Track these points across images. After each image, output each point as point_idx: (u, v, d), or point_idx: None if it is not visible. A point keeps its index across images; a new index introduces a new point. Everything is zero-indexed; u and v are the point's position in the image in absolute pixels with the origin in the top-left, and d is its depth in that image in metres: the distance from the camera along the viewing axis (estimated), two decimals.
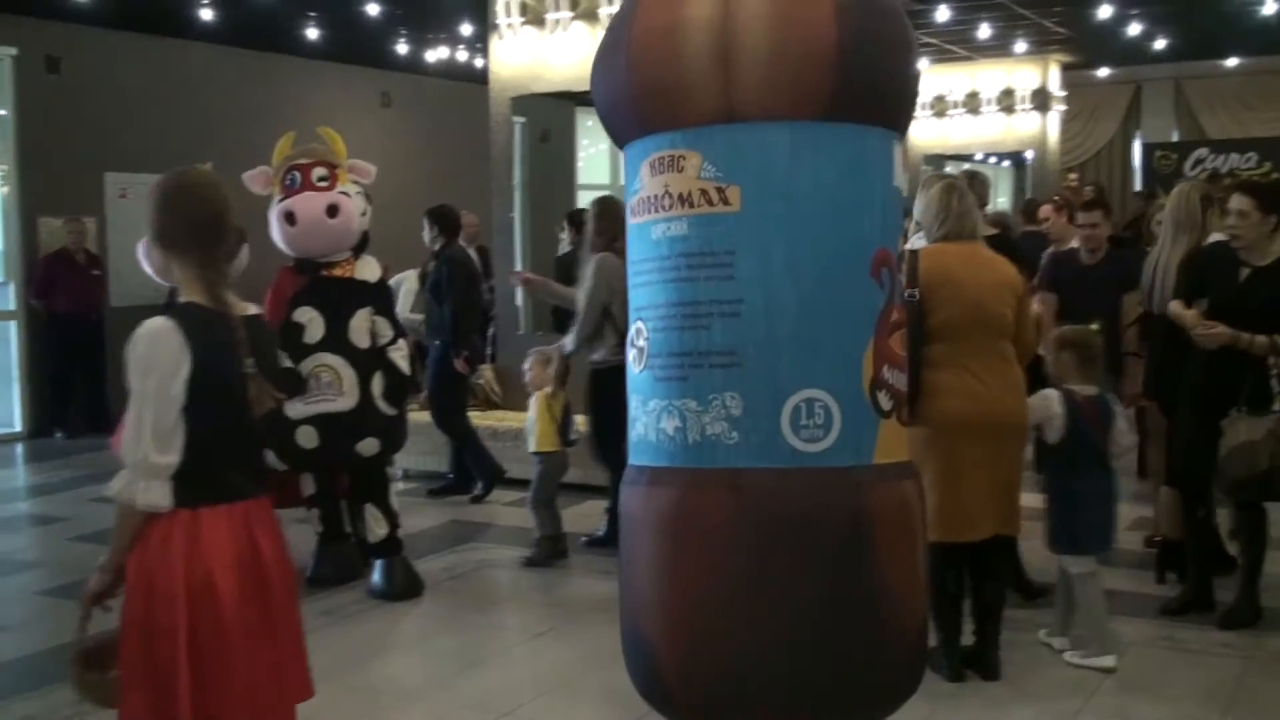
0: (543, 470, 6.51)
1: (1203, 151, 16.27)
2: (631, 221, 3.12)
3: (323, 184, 5.86)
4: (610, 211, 6.39)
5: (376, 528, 5.95)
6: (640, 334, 3.07)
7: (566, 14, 8.54)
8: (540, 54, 8.75)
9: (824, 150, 2.90)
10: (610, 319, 6.32)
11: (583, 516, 7.29)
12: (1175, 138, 17.68)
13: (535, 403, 6.52)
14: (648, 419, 3.04)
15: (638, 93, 2.98)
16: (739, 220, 2.89)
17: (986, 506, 4.47)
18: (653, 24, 2.95)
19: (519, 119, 9.58)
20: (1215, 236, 5.50)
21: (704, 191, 2.90)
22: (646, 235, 3.04)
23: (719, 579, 2.91)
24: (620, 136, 3.17)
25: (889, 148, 3.04)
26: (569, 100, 10.04)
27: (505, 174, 9.42)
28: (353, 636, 5.40)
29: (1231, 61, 16.75)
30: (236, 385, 2.84)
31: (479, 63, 12.75)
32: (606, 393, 6.09)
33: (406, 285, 8.88)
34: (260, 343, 2.94)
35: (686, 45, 2.87)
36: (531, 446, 6.54)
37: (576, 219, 8.25)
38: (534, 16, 8.72)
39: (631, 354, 3.12)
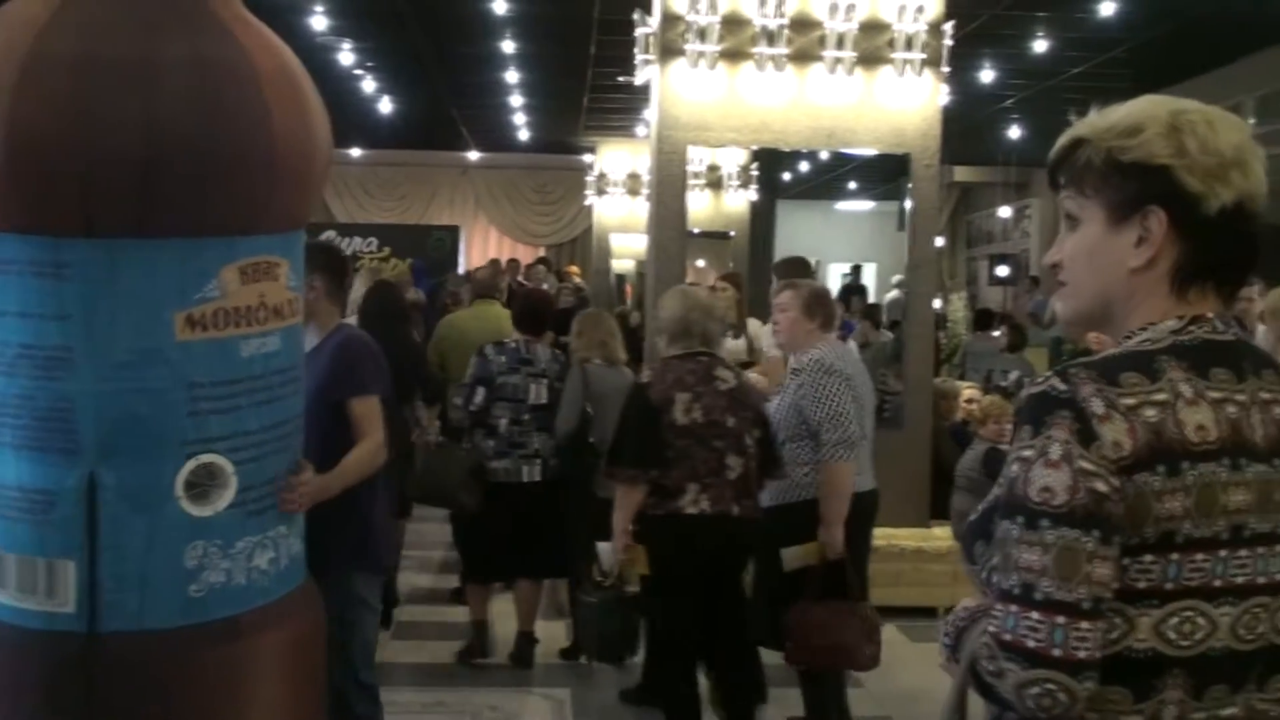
0: None
1: (331, 234, 17.19)
2: (199, 336, 2.53)
3: None
4: None
5: None
6: (219, 471, 2.56)
7: None
8: None
9: None
10: None
11: None
12: None
13: None
14: (233, 563, 2.60)
15: (278, 181, 2.62)
16: (299, 331, 2.84)
17: None
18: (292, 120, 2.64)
19: None
20: None
21: (290, 302, 2.74)
22: (233, 353, 2.58)
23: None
24: (187, 228, 2.52)
25: None
26: None
27: None
28: None
29: (355, 152, 18.12)
30: None
31: None
32: None
33: None
34: None
35: (318, 151, 2.76)
36: None
37: None
38: None
39: (206, 495, 2.56)
